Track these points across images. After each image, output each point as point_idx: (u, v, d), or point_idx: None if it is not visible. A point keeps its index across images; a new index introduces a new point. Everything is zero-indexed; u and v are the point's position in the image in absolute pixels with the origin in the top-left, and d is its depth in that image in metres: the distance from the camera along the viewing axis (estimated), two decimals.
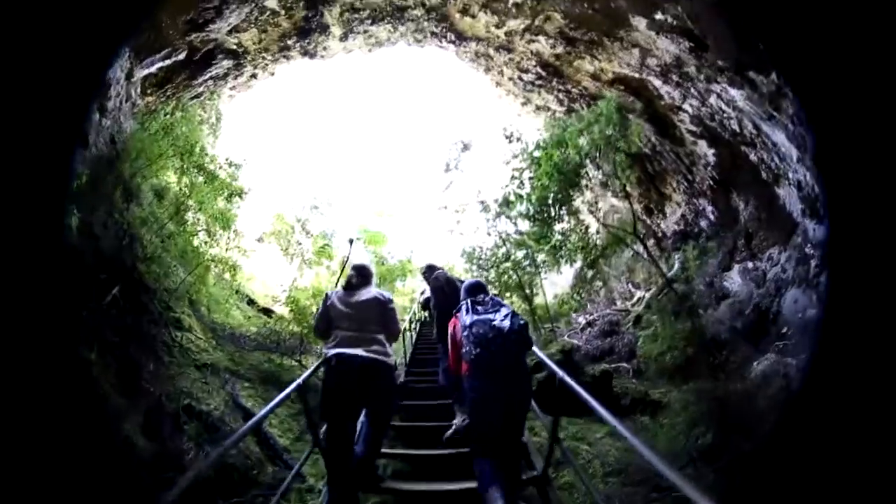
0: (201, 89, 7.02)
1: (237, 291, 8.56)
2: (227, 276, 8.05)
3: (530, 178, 7.92)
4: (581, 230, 8.55)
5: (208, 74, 6.91)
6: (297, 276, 10.59)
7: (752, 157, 5.56)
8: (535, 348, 3.63)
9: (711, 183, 6.69)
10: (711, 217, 6.97)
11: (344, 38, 8.47)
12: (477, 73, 10.24)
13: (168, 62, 5.70)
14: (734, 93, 5.32)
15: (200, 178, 6.30)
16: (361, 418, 3.63)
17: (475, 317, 3.14)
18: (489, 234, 10.65)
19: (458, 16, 8.38)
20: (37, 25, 1.42)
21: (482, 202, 10.48)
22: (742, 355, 5.75)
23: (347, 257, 10.46)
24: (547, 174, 7.08)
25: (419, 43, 9.36)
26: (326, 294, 3.78)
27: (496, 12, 7.92)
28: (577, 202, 8.41)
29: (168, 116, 5.94)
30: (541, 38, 7.96)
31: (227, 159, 6.85)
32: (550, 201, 7.43)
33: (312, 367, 3.74)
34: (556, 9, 7.18)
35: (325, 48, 8.49)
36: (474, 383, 3.05)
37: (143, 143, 5.37)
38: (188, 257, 6.23)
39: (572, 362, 6.67)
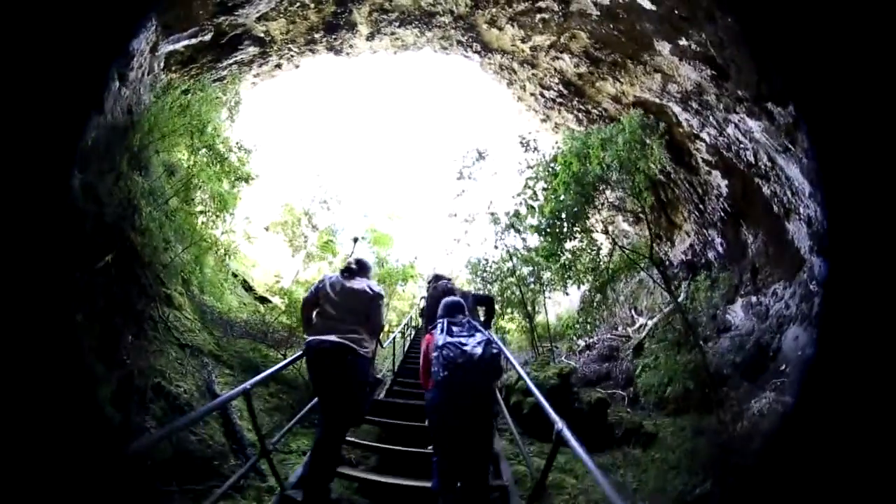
0: (225, 73, 7.20)
1: (234, 275, 8.63)
2: (225, 259, 8.13)
3: (544, 190, 7.89)
4: (593, 250, 8.51)
5: (233, 59, 7.09)
6: (300, 269, 10.72)
7: (766, 189, 5.57)
8: (526, 379, 3.56)
9: (722, 214, 6.69)
10: (720, 248, 6.95)
11: (371, 37, 8.66)
12: (499, 86, 10.39)
13: (194, 41, 5.87)
14: (752, 123, 5.34)
15: (207, 158, 6.41)
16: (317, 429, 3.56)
17: (448, 338, 3.09)
18: (496, 247, 10.70)
19: (485, 26, 8.55)
20: None
21: (492, 213, 10.55)
22: (743, 391, 5.68)
23: (350, 255, 10.59)
24: (564, 184, 6.97)
25: (445, 50, 9.54)
26: (323, 276, 3.81)
27: (523, 26, 8.07)
28: (592, 219, 8.35)
29: (186, 95, 6.07)
30: (565, 55, 8.08)
31: (237, 143, 6.96)
32: (564, 215, 7.29)
33: (266, 373, 3.51)
34: (583, 28, 7.30)
35: (351, 46, 8.69)
36: (435, 402, 3.06)
37: (157, 117, 5.50)
38: (188, 235, 6.29)
39: (568, 386, 6.57)
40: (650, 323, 8.53)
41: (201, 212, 6.74)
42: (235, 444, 4.48)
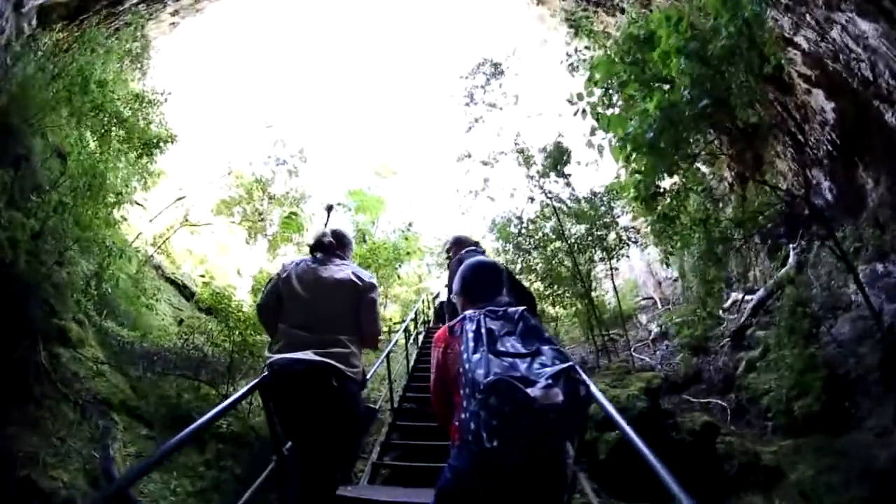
0: (129, 17, 6.77)
1: (170, 280, 8.39)
2: (146, 262, 7.92)
3: (622, 85, 6.15)
4: (703, 191, 7.48)
5: None
6: (265, 259, 10.51)
7: (889, 116, 5.24)
8: (620, 422, 2.14)
9: (830, 148, 6.31)
10: (829, 195, 6.58)
11: None
12: None
13: None
14: (865, 26, 4.99)
15: (101, 127, 6.14)
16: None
17: (492, 360, 1.78)
18: (532, 200, 9.88)
19: None
20: None
21: (521, 151, 9.75)
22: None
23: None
24: (676, 53, 5.40)
25: None
26: (283, 265, 3.37)
27: None
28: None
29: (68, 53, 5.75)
30: None
31: (137, 95, 6.58)
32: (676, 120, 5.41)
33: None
34: None
35: None
36: (466, 470, 1.85)
37: (29, 87, 5.18)
38: (92, 238, 6.02)
39: (658, 406, 6.07)
40: (752, 299, 8.00)
41: (110, 203, 6.46)
42: None
